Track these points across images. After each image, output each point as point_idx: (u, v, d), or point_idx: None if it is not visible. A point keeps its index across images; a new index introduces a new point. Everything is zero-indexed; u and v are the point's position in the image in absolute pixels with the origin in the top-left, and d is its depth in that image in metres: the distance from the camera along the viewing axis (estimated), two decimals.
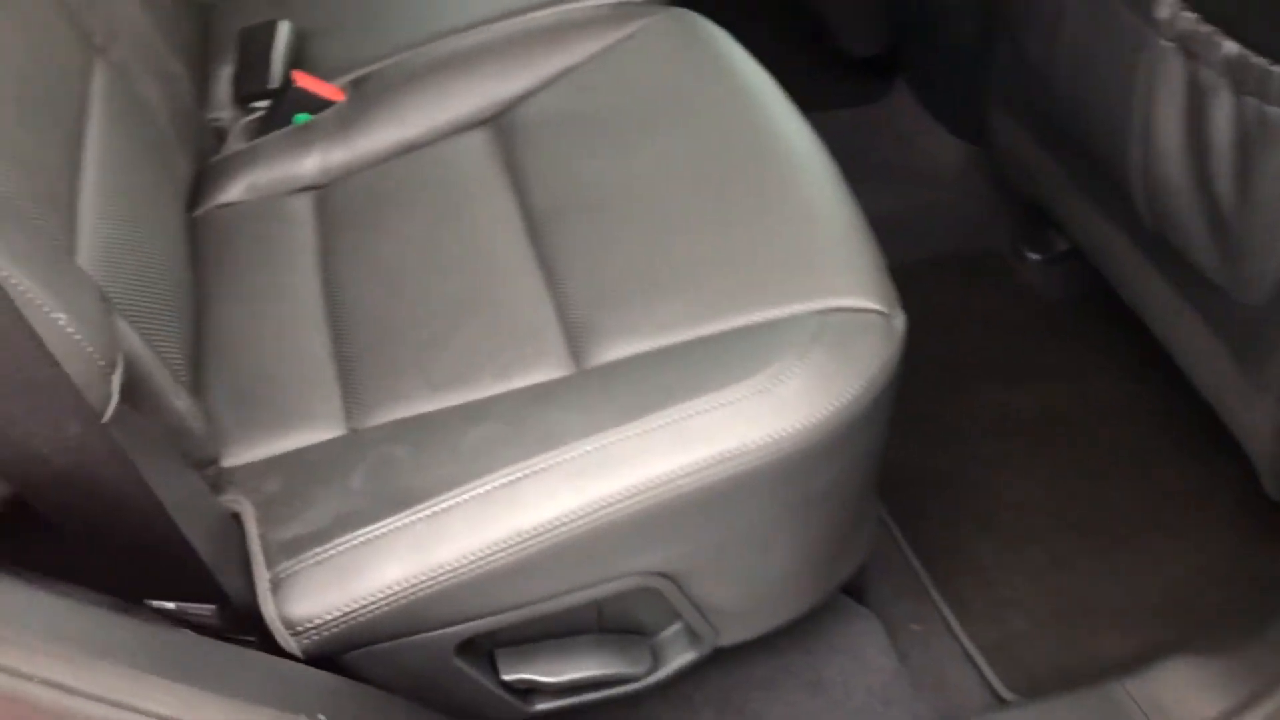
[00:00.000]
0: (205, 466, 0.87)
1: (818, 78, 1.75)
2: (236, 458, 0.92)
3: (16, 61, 0.89)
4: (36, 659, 0.57)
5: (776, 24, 1.79)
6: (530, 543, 0.79)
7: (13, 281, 0.60)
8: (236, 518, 0.85)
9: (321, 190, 1.16)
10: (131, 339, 0.75)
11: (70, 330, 0.62)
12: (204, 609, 0.78)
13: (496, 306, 0.98)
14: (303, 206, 1.14)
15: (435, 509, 0.81)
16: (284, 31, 1.30)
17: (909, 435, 1.18)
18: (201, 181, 1.18)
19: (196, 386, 0.97)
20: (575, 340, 0.94)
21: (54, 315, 0.62)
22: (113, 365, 0.66)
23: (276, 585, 0.80)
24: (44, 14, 0.97)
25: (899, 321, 0.89)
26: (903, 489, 1.27)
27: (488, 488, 0.81)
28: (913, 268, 1.10)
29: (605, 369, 0.90)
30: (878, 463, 0.97)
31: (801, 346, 0.85)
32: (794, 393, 0.82)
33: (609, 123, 1.12)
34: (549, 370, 0.92)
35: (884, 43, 1.76)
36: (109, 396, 0.65)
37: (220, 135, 1.27)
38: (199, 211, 1.16)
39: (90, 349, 0.64)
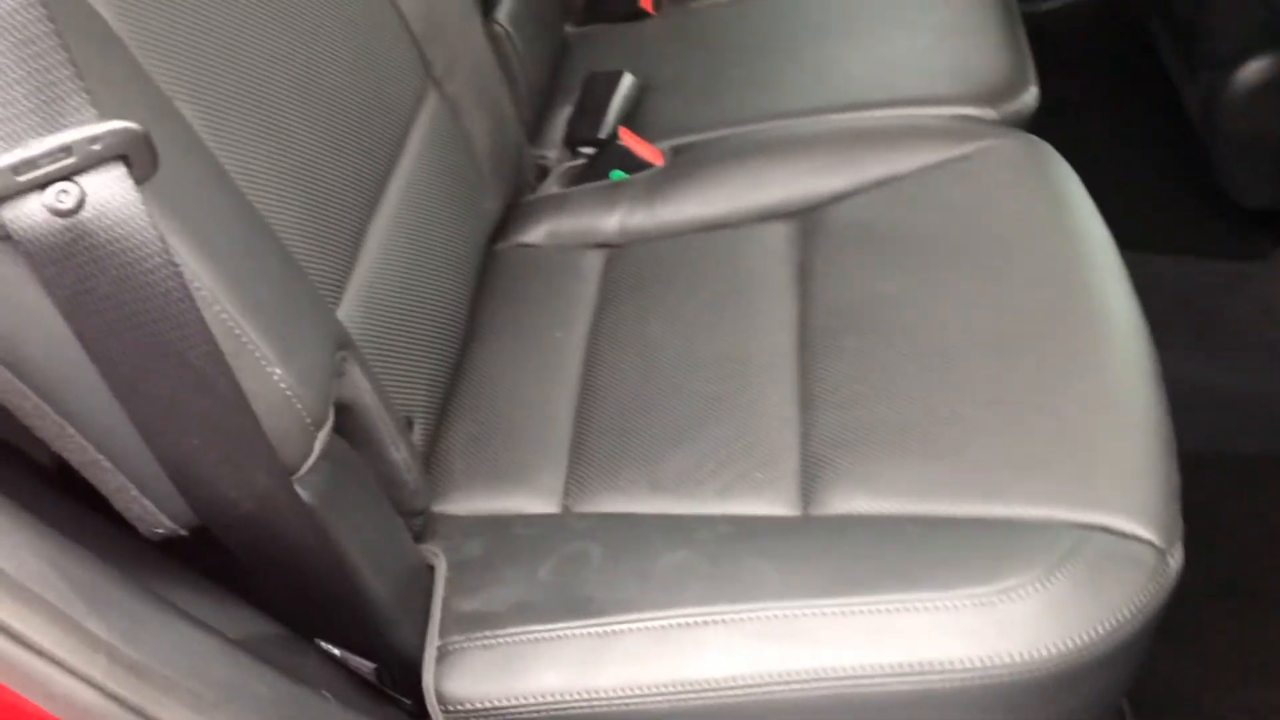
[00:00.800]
0: (415, 515, 0.88)
1: (1188, 221, 1.59)
2: (453, 505, 0.93)
3: (355, 90, 0.93)
4: (170, 696, 0.58)
5: (1153, 156, 1.64)
6: (689, 696, 0.74)
7: (236, 332, 0.61)
8: (430, 569, 0.86)
9: (615, 250, 1.15)
10: (362, 388, 0.76)
11: (283, 386, 0.63)
12: (365, 664, 0.78)
13: (742, 417, 0.93)
14: (594, 263, 1.14)
15: (608, 628, 0.77)
16: (626, 84, 1.32)
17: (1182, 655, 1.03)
18: (510, 216, 1.21)
19: (441, 420, 0.98)
20: (809, 478, 0.87)
21: (271, 370, 0.63)
22: (320, 423, 0.67)
23: (442, 656, 0.79)
24: (392, 40, 1.01)
25: (1175, 560, 0.77)
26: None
27: (664, 624, 0.76)
28: (1246, 462, 0.96)
29: (827, 523, 0.84)
30: (1116, 700, 0.84)
31: (1047, 564, 0.74)
32: (1023, 616, 0.72)
33: (918, 246, 1.04)
34: (772, 504, 0.87)
35: (1277, 197, 1.57)
36: (308, 454, 0.66)
37: (542, 173, 1.30)
38: (500, 245, 1.18)
39: (300, 406, 0.65)
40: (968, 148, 1.12)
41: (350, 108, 0.91)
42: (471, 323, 1.07)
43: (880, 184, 1.12)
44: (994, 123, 1.19)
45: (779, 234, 1.11)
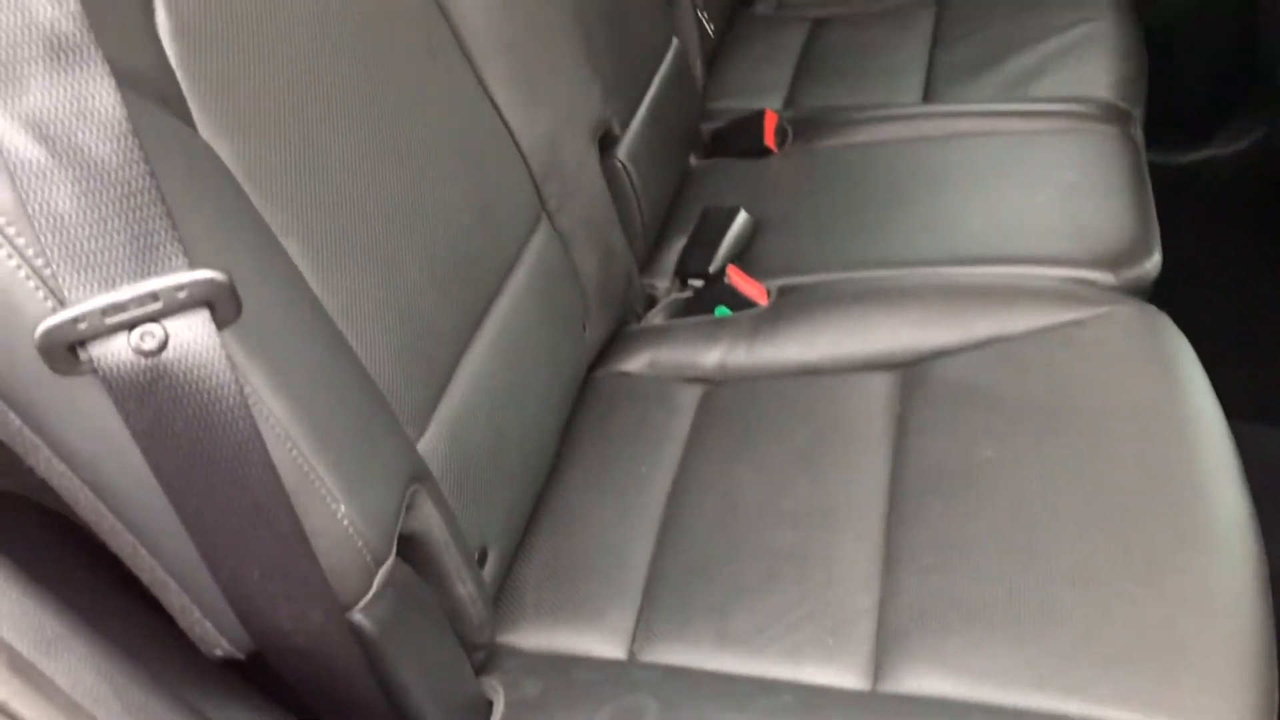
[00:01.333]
0: (479, 649, 0.88)
1: None
2: (520, 637, 0.93)
3: (467, 223, 0.95)
4: None
5: None
6: None
7: (304, 470, 0.63)
8: (489, 704, 0.86)
9: (712, 387, 1.15)
10: (433, 521, 0.77)
11: (347, 524, 0.65)
12: None
13: (820, 575, 0.91)
14: (690, 398, 1.14)
15: None
16: (739, 222, 1.33)
17: None
18: (613, 344, 1.22)
19: (519, 548, 0.99)
20: (883, 649, 0.85)
21: (335, 506, 0.64)
22: (382, 560, 0.68)
23: None
24: (509, 175, 1.05)
25: None
26: None
27: None
28: None
29: (896, 702, 0.81)
30: None
31: None
32: None
33: (1019, 412, 1.02)
34: (841, 674, 0.84)
35: None
36: (367, 589, 0.67)
37: (650, 301, 1.32)
38: (599, 372, 1.19)
39: (361, 544, 0.66)
40: (1081, 313, 1.09)
41: (460, 241, 0.94)
42: (560, 448, 1.08)
43: (987, 343, 1.10)
44: (1112, 289, 1.16)
45: (879, 385, 1.10)
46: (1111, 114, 1.43)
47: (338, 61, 0.83)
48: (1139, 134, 1.42)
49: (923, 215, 1.30)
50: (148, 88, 0.65)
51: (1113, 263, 1.18)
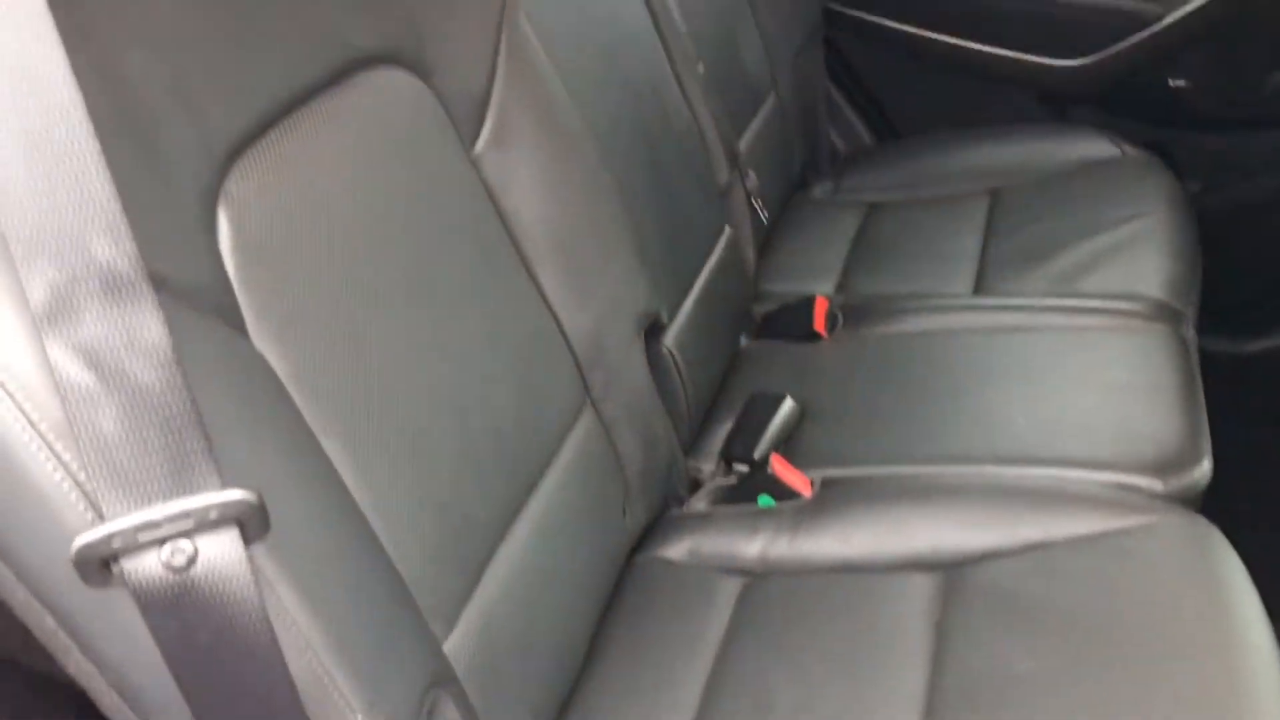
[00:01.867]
0: None
1: None
2: None
3: (509, 414, 0.97)
4: None
5: None
6: None
7: (323, 680, 0.64)
8: None
9: (751, 580, 1.14)
10: None
11: None
12: None
13: None
14: (729, 591, 1.13)
15: None
16: (785, 409, 1.34)
17: None
18: (655, 528, 1.22)
19: None
20: None
21: (353, 716, 0.65)
22: None
23: None
24: (554, 364, 1.07)
25: None
26: None
27: None
28: None
29: None
30: None
31: None
32: None
33: (1060, 624, 0.99)
34: None
35: None
36: None
37: (695, 485, 1.32)
38: (640, 557, 1.19)
39: None
40: (1128, 521, 1.08)
41: (502, 432, 0.96)
42: (595, 638, 1.08)
43: (1031, 548, 1.09)
44: (1159, 496, 1.14)
45: (919, 588, 1.08)
46: (1163, 313, 1.43)
47: (389, 261, 0.87)
48: (1191, 333, 1.42)
49: (969, 410, 1.30)
50: (203, 300, 0.69)
51: (1161, 469, 1.16)
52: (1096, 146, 1.86)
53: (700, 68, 1.46)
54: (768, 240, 1.75)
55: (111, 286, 0.53)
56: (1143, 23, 1.90)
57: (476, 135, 1.03)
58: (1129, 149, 1.84)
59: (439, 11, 0.99)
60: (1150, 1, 1.90)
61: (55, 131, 0.51)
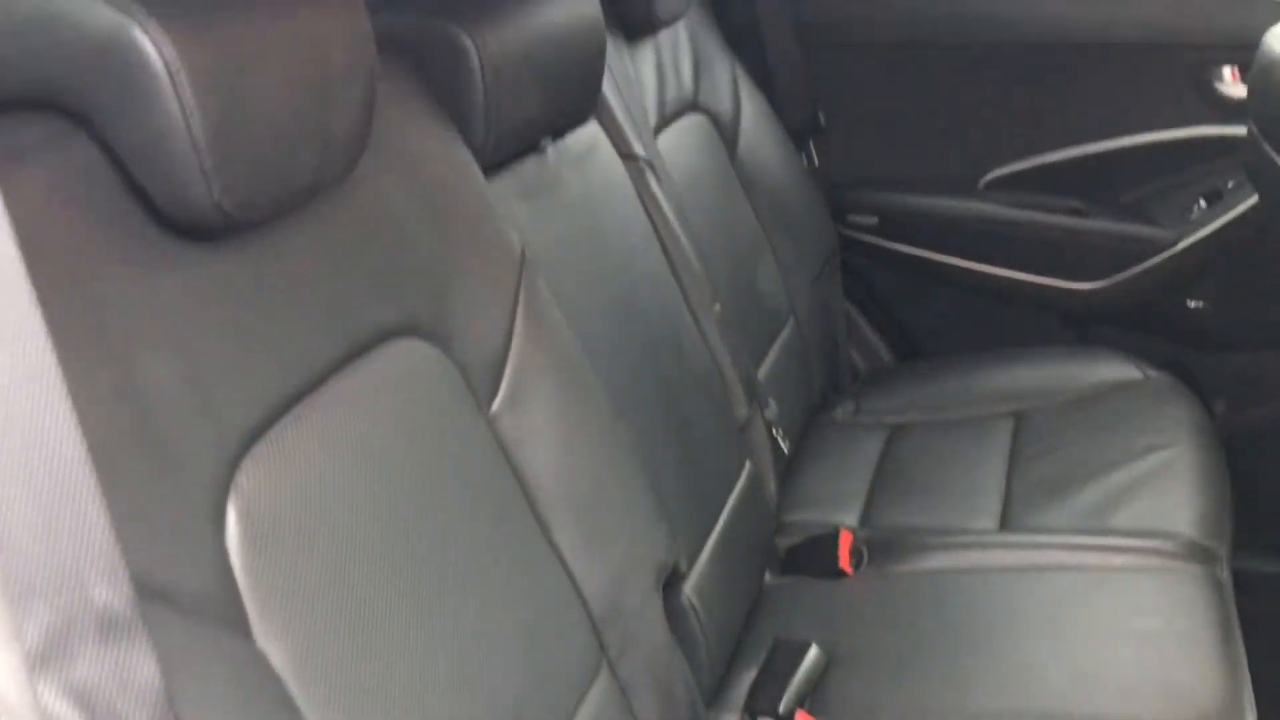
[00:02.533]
0: None
1: None
2: None
3: (522, 680, 0.94)
4: None
5: None
6: None
7: None
8: None
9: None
10: None
11: None
12: None
13: None
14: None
15: None
16: (811, 658, 1.30)
17: None
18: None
19: None
20: None
21: None
22: None
23: None
24: (569, 624, 1.04)
25: None
26: None
27: None
28: None
29: None
30: None
31: None
32: None
33: None
34: None
35: None
36: None
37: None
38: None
39: None
40: None
41: (513, 703, 0.93)
42: None
43: None
44: None
45: None
46: (1196, 553, 1.40)
47: (400, 546, 0.86)
48: (1226, 574, 1.38)
49: (1000, 660, 1.26)
50: (208, 609, 0.68)
51: None
52: (1119, 369, 1.86)
53: (717, 306, 1.49)
54: (789, 466, 1.75)
55: (107, 628, 0.53)
56: (1158, 247, 1.93)
57: (493, 396, 1.04)
58: (1151, 372, 1.83)
59: (459, 280, 1.01)
60: (1165, 228, 1.94)
61: (61, 485, 0.51)
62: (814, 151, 2.02)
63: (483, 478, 1.00)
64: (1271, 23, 1.81)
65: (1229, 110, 1.89)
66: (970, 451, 1.75)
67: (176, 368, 0.73)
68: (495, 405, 1.04)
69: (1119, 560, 1.41)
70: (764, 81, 1.93)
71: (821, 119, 1.99)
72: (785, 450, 1.63)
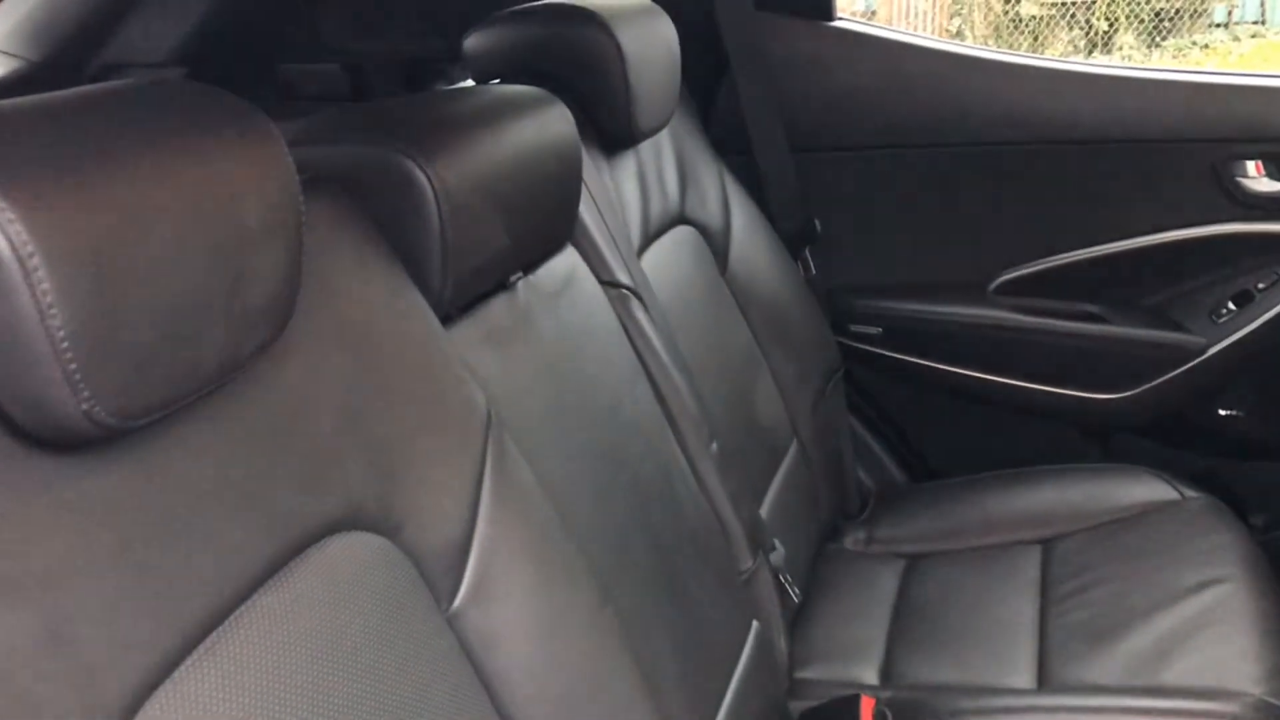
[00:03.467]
0: None
1: None
2: None
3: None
4: None
5: None
6: None
7: None
8: None
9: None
10: None
11: None
12: None
13: None
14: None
15: None
16: None
17: None
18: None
19: None
20: None
21: None
22: None
23: None
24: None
25: None
26: None
27: None
28: None
29: None
30: None
31: None
32: None
33: None
34: None
35: None
36: None
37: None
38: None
39: None
40: None
41: None
42: None
43: None
44: None
45: None
46: (1267, 715, 1.23)
47: None
48: None
49: None
50: None
51: None
52: (1152, 488, 1.70)
53: (714, 446, 1.33)
54: (800, 609, 1.58)
55: None
56: (1187, 354, 1.79)
57: (455, 591, 0.88)
58: (1188, 491, 1.68)
59: (412, 457, 0.86)
60: (1193, 333, 1.80)
61: None
62: (810, 260, 1.88)
63: (442, 686, 0.83)
64: None
65: (1253, 206, 1.77)
66: (996, 588, 1.59)
67: (38, 620, 0.58)
68: (458, 601, 0.87)
69: None
70: (754, 188, 1.80)
71: (817, 225, 1.86)
72: (795, 598, 1.46)
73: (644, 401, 1.25)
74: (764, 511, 1.50)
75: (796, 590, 1.46)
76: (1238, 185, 1.76)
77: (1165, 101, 1.78)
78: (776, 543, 1.46)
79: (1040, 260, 1.89)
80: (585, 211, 1.26)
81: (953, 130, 1.84)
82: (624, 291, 1.27)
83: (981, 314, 1.91)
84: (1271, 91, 1.73)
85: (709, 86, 1.84)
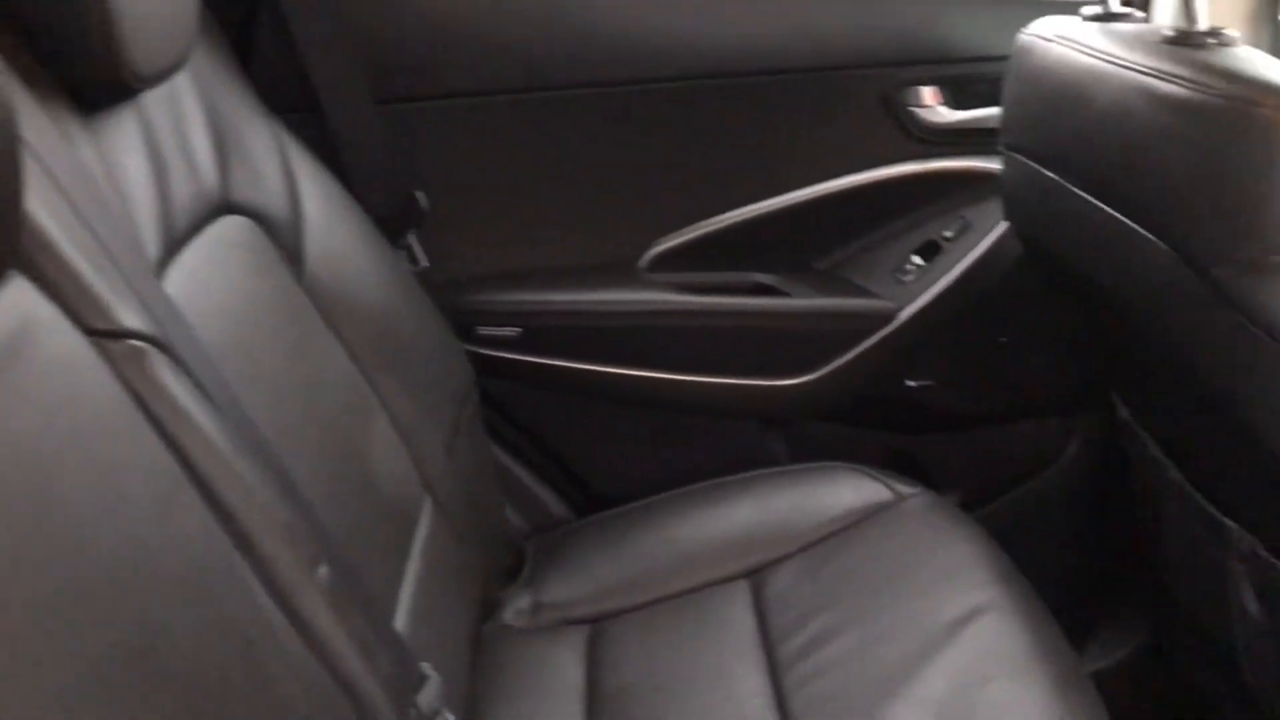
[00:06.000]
0: None
1: None
2: None
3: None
4: None
5: None
6: None
7: None
8: None
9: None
10: None
11: None
12: None
13: None
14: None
15: None
16: None
17: None
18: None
19: None
20: None
21: None
22: None
23: None
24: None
25: None
26: None
27: None
28: None
29: None
30: None
31: None
32: None
33: None
34: None
35: None
36: None
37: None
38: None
39: None
40: None
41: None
42: None
43: None
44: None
45: None
46: None
47: None
48: None
49: None
50: None
51: None
52: (860, 489, 1.40)
53: (323, 570, 0.84)
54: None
55: None
56: (876, 323, 1.52)
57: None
58: (901, 487, 1.40)
59: None
60: (878, 297, 1.53)
61: None
62: (417, 248, 1.42)
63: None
64: (990, 27, 1.45)
65: (931, 142, 1.51)
66: (708, 653, 1.23)
67: None
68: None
69: None
70: (330, 157, 1.30)
71: (422, 200, 1.40)
72: None
73: (191, 530, 0.74)
74: (400, 623, 1.04)
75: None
76: (912, 117, 1.50)
77: (823, 22, 1.48)
78: (426, 670, 0.99)
79: (697, 225, 1.55)
80: (41, 212, 0.72)
81: (581, 68, 1.44)
82: (133, 343, 0.75)
83: (633, 298, 1.54)
84: (941, 8, 1.48)
85: (249, 15, 1.31)
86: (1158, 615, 1.52)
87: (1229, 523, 1.14)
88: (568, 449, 1.59)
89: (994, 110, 1.37)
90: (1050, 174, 1.11)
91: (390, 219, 1.36)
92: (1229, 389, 0.95)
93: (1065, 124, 1.09)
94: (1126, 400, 1.35)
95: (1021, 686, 1.06)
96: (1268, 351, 0.86)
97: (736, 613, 1.28)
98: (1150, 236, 0.94)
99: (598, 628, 1.31)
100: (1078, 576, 1.64)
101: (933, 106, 1.50)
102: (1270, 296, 0.85)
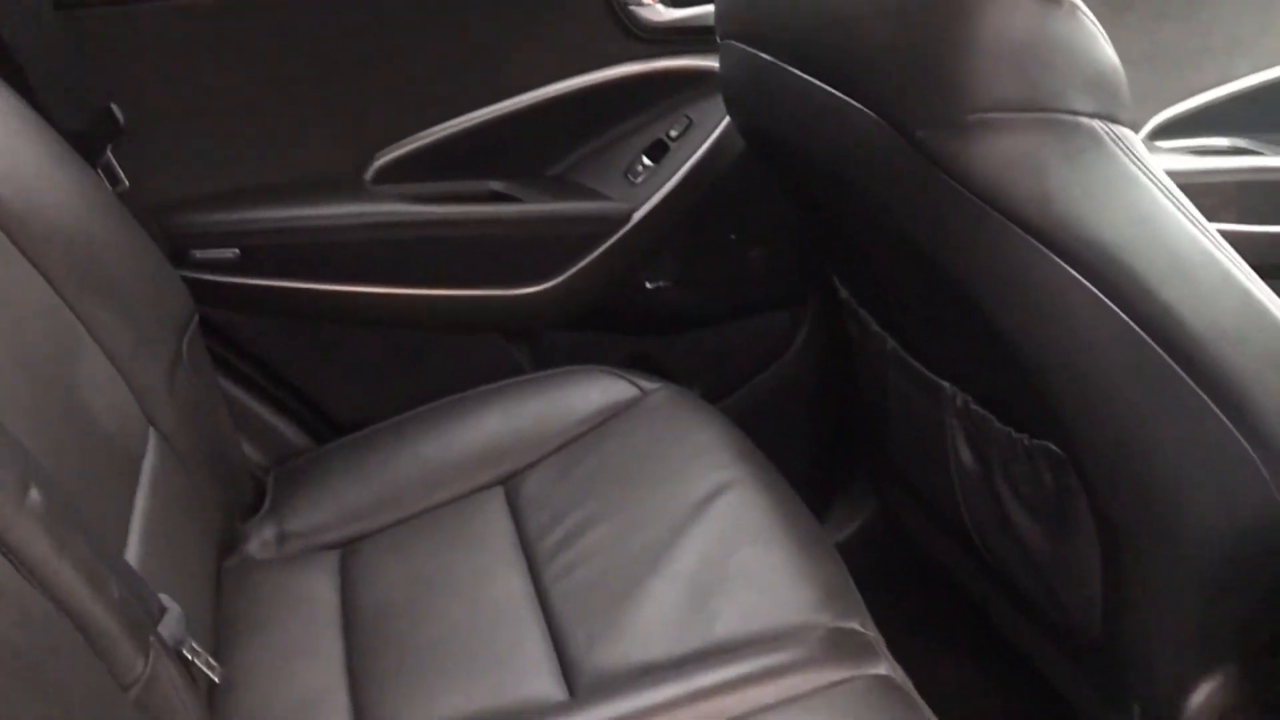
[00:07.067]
0: None
1: None
2: None
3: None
4: None
5: None
6: None
7: None
8: None
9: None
10: None
11: None
12: None
13: None
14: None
15: None
16: None
17: None
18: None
19: None
20: None
21: None
22: None
23: None
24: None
25: None
26: None
27: None
28: None
29: None
30: None
31: None
32: None
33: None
34: None
35: None
36: None
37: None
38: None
39: None
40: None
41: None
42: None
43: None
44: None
45: None
46: (853, 645, 1.00)
47: None
48: (893, 671, 1.01)
49: None
50: None
51: None
52: (606, 389, 1.41)
53: (33, 495, 0.77)
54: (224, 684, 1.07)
55: None
56: (612, 226, 1.53)
57: None
58: (644, 382, 1.42)
59: None
60: (611, 199, 1.54)
61: None
62: (117, 165, 1.31)
63: None
64: None
65: (652, 41, 1.52)
66: (468, 560, 1.22)
67: None
68: None
69: (752, 696, 0.97)
70: (8, 68, 1.18)
71: (118, 113, 1.29)
72: (215, 676, 0.96)
73: None
74: (132, 555, 0.97)
75: (213, 663, 0.96)
76: (632, 16, 1.50)
77: None
78: (165, 601, 0.94)
79: (421, 135, 1.50)
80: None
81: None
82: None
83: (358, 210, 1.48)
84: None
85: None
86: (886, 483, 1.61)
87: (943, 383, 1.22)
88: (302, 377, 1.52)
89: (711, 8, 1.38)
90: (765, 56, 1.13)
91: (82, 135, 1.24)
92: (937, 251, 1.01)
93: (777, 3, 1.12)
94: (845, 282, 1.42)
95: (767, 550, 1.11)
96: (970, 209, 0.92)
97: (492, 519, 1.28)
98: (861, 107, 0.98)
99: (350, 549, 1.28)
100: (815, 456, 1.73)
101: (652, 4, 1.51)
102: (970, 156, 0.91)
